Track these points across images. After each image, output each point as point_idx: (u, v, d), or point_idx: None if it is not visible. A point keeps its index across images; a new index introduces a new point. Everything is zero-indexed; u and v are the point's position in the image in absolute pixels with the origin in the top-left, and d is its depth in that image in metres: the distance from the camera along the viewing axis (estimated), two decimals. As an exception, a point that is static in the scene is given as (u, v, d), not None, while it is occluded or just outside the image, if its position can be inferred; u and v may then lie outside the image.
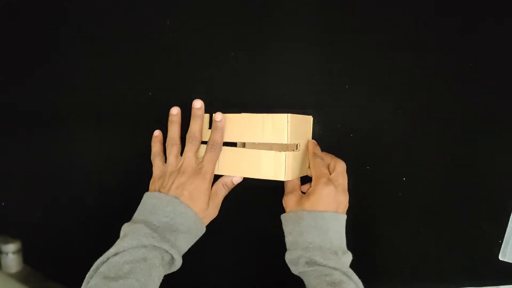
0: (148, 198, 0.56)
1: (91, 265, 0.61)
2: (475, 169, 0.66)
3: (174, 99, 0.64)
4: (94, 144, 0.64)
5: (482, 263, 0.67)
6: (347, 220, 0.57)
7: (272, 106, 0.62)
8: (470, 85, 0.65)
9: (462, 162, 0.66)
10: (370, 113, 0.65)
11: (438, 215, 0.67)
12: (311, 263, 0.53)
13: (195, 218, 0.55)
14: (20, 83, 0.63)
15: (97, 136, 0.64)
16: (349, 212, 0.57)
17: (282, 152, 0.57)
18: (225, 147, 0.59)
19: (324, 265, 0.52)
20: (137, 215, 0.55)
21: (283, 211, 0.59)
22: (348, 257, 0.55)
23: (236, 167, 0.59)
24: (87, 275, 0.50)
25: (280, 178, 0.57)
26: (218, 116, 0.58)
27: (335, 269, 0.53)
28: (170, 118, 0.60)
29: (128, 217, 0.65)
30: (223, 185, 0.59)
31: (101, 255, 0.65)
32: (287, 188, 0.60)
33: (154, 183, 0.58)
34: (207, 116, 0.61)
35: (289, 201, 0.58)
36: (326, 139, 0.63)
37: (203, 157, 0.58)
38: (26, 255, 0.65)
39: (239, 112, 0.62)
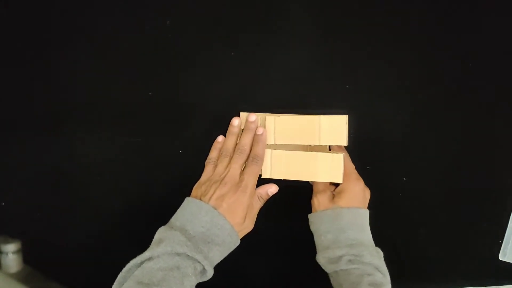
0: (188, 204, 0.55)
1: (91, 265, 0.61)
2: (475, 169, 0.66)
3: (174, 99, 0.64)
4: (94, 144, 0.64)
5: (482, 263, 0.68)
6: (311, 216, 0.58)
7: (272, 106, 0.62)
8: (470, 85, 0.65)
9: (462, 162, 0.66)
10: (370, 113, 0.65)
11: (438, 215, 0.67)
12: (355, 261, 0.54)
13: (230, 231, 0.54)
14: (20, 83, 0.63)
15: (97, 136, 0.64)
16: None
17: (340, 154, 0.57)
18: (278, 151, 0.59)
19: (368, 263, 0.53)
20: (174, 219, 0.54)
21: (287, 212, 0.59)
22: (380, 253, 0.56)
23: (290, 170, 0.58)
24: (120, 276, 0.50)
25: (338, 180, 0.57)
26: (260, 130, 0.58)
27: (377, 267, 0.54)
28: (230, 129, 0.60)
29: (128, 217, 0.65)
30: (258, 197, 0.58)
31: (101, 255, 0.65)
32: (318, 187, 0.60)
33: (197, 188, 0.57)
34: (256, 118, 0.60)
35: (322, 200, 0.58)
36: (326, 139, 0.63)
37: (244, 170, 0.57)
38: (26, 255, 0.65)
39: (239, 112, 0.62)
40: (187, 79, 0.64)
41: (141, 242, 0.65)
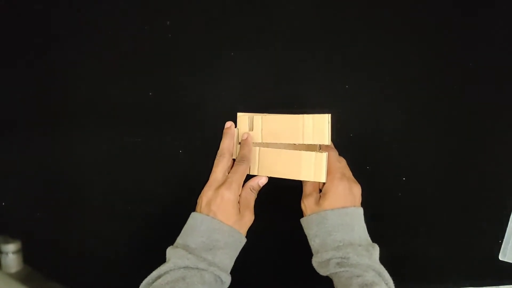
0: (189, 219, 0.57)
1: (91, 265, 0.61)
2: (475, 169, 0.66)
3: (174, 99, 0.64)
4: (94, 144, 0.64)
5: (482, 263, 0.68)
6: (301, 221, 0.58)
7: (271, 106, 0.62)
8: (470, 85, 0.65)
9: (462, 162, 0.66)
10: (370, 113, 0.65)
11: (438, 215, 0.67)
12: (342, 263, 0.53)
13: (230, 231, 0.55)
14: (20, 83, 0.63)
15: (97, 136, 0.64)
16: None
17: (324, 152, 0.57)
18: (264, 148, 0.60)
19: (356, 265, 0.52)
20: (179, 238, 0.56)
21: (288, 211, 0.59)
22: (377, 250, 0.55)
23: (275, 168, 0.59)
24: None
25: (321, 179, 0.57)
26: (244, 135, 0.61)
27: (368, 267, 0.53)
28: (224, 131, 0.63)
29: (128, 217, 0.65)
30: (250, 189, 0.60)
31: (101, 255, 0.65)
32: (307, 190, 0.60)
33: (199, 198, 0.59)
34: (246, 118, 0.62)
35: (308, 204, 0.58)
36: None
37: (231, 169, 0.59)
38: (26, 255, 0.65)
39: (237, 112, 0.62)
40: (187, 79, 0.64)
41: (141, 242, 0.66)
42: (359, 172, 0.60)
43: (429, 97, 0.65)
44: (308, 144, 0.59)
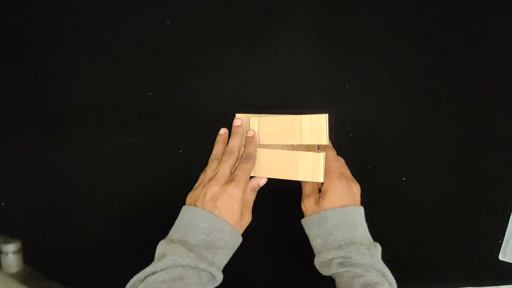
0: (184, 213, 0.55)
1: (91, 265, 0.61)
2: (475, 169, 0.66)
3: (174, 99, 0.64)
4: (94, 144, 0.64)
5: (482, 263, 0.68)
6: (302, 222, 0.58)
7: (271, 106, 0.62)
8: (470, 85, 0.65)
9: (462, 162, 0.66)
10: (370, 113, 0.65)
11: (438, 215, 0.67)
12: (344, 263, 0.53)
13: (232, 231, 0.54)
14: (20, 83, 0.63)
15: (97, 136, 0.63)
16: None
17: (321, 152, 0.57)
18: (261, 149, 0.59)
19: (359, 264, 0.52)
20: (173, 231, 0.54)
21: (286, 212, 0.59)
22: (379, 249, 0.55)
23: (273, 169, 0.59)
24: None
25: (319, 179, 0.57)
26: (250, 132, 0.60)
27: (370, 266, 0.52)
28: (218, 137, 0.62)
29: (128, 217, 0.65)
30: (251, 190, 0.59)
31: (101, 255, 0.65)
32: (306, 191, 0.60)
33: (191, 194, 0.57)
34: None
35: (309, 204, 0.58)
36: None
37: (236, 167, 0.57)
38: (26, 255, 0.65)
39: (236, 113, 0.62)
40: (187, 79, 0.64)
41: (141, 242, 0.65)
42: (359, 172, 0.60)
43: (429, 97, 0.65)
44: (306, 145, 0.59)
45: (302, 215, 0.59)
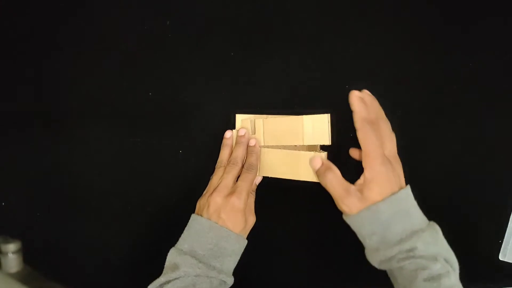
0: (192, 222, 0.56)
1: (91, 265, 0.61)
2: (475, 169, 0.66)
3: (174, 99, 0.64)
4: (94, 144, 0.64)
5: (482, 263, 0.68)
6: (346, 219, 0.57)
7: (271, 106, 0.62)
8: (470, 85, 0.65)
9: (462, 161, 0.66)
10: (370, 113, 0.65)
11: (438, 215, 0.67)
12: (408, 256, 0.49)
13: (237, 238, 0.55)
14: (20, 83, 0.63)
15: (97, 136, 0.64)
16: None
17: (323, 152, 0.57)
18: (264, 149, 0.60)
19: (423, 255, 0.49)
20: (183, 241, 0.55)
21: (290, 211, 0.59)
22: (439, 230, 0.51)
23: (276, 168, 0.59)
24: None
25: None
26: (252, 141, 0.60)
27: (435, 256, 0.49)
28: (223, 141, 0.61)
29: (128, 217, 0.65)
30: (252, 192, 0.60)
31: (101, 255, 0.65)
32: (337, 190, 0.53)
33: (199, 201, 0.58)
34: (248, 121, 0.61)
35: (351, 202, 0.52)
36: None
37: (239, 177, 0.58)
38: (26, 255, 0.65)
39: (236, 113, 0.62)
40: (187, 79, 0.64)
41: (141, 242, 0.66)
42: (359, 172, 0.60)
43: (429, 97, 0.65)
44: (310, 145, 0.59)
45: (302, 216, 0.59)
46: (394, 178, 0.52)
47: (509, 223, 0.66)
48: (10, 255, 0.64)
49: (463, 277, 0.68)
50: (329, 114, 0.56)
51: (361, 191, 0.52)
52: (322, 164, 0.56)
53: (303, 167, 0.57)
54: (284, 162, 0.58)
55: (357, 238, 0.55)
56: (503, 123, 0.66)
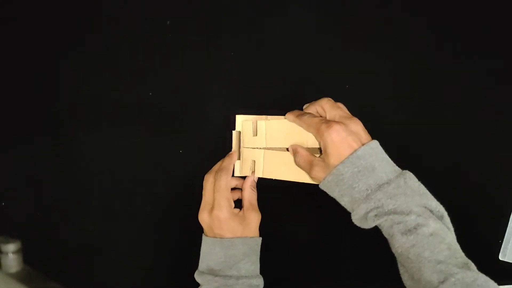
0: (202, 243, 0.58)
1: (91, 265, 0.61)
2: (475, 169, 0.66)
3: (174, 99, 0.64)
4: (94, 144, 0.63)
5: (482, 263, 0.67)
6: (346, 220, 0.56)
7: (271, 106, 0.62)
8: (470, 85, 0.65)
9: (462, 162, 0.66)
10: (370, 113, 0.65)
11: (438, 215, 0.67)
12: (379, 214, 0.48)
13: (242, 241, 0.56)
14: (20, 83, 0.63)
15: (97, 136, 0.63)
16: (348, 213, 0.56)
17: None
18: (267, 151, 0.59)
19: (393, 210, 0.48)
20: (201, 262, 0.58)
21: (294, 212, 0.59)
22: (410, 177, 0.50)
23: (279, 170, 0.59)
24: None
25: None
26: (231, 153, 0.62)
27: (407, 206, 0.48)
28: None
29: (128, 217, 0.65)
30: (251, 188, 0.60)
31: (101, 255, 0.65)
32: (304, 164, 0.55)
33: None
34: (250, 123, 0.61)
35: (317, 172, 0.53)
36: (326, 139, 0.63)
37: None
38: (26, 255, 0.65)
39: (236, 113, 0.62)
40: (187, 79, 0.64)
41: (141, 242, 0.66)
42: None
43: (429, 97, 0.65)
44: (314, 148, 0.58)
45: (306, 217, 0.60)
46: (350, 136, 0.51)
47: (509, 223, 0.66)
48: (10, 255, 0.64)
49: (463, 277, 0.68)
50: None
51: (323, 160, 0.52)
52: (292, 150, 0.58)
53: None
54: (286, 163, 0.58)
55: (359, 238, 0.55)
56: (503, 122, 0.66)
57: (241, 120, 0.62)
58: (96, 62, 0.63)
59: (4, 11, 0.62)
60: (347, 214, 0.54)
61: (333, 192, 0.53)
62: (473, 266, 0.49)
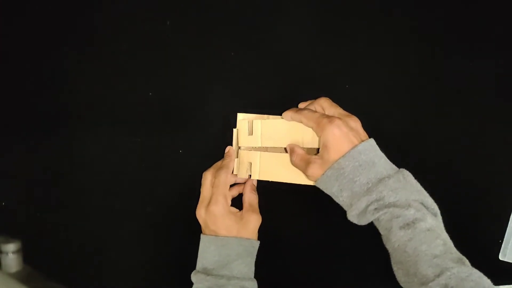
0: (200, 242, 0.57)
1: (91, 265, 0.61)
2: (475, 169, 0.66)
3: (174, 99, 0.64)
4: (94, 144, 0.64)
5: (482, 263, 0.67)
6: (347, 220, 0.57)
7: (271, 106, 0.62)
8: (470, 85, 0.65)
9: (462, 162, 0.66)
10: (370, 113, 0.65)
11: (438, 215, 0.67)
12: (379, 206, 0.49)
13: (237, 241, 0.55)
14: (20, 83, 0.63)
15: (97, 136, 0.63)
16: (345, 215, 0.56)
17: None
18: (264, 153, 0.59)
19: (394, 203, 0.48)
20: (198, 262, 0.57)
21: (294, 214, 0.59)
22: (408, 175, 0.51)
23: (277, 172, 0.59)
24: None
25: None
26: (227, 148, 0.61)
27: (406, 200, 0.48)
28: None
29: (127, 217, 0.65)
30: (252, 191, 0.60)
31: (101, 255, 0.65)
32: (300, 163, 0.55)
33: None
34: (246, 122, 0.60)
35: (314, 169, 0.53)
36: (326, 139, 0.63)
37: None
38: (26, 255, 0.65)
39: (237, 112, 0.62)
40: (187, 79, 0.64)
41: (141, 242, 0.66)
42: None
43: (429, 97, 0.65)
44: (309, 148, 0.58)
45: (306, 218, 0.59)
46: (351, 132, 0.52)
47: (509, 223, 0.66)
48: (10, 255, 0.64)
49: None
50: None
51: (321, 157, 0.53)
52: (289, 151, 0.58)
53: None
54: (283, 165, 0.58)
55: (358, 240, 0.55)
56: (503, 122, 0.65)
57: (241, 119, 0.62)
58: (96, 62, 0.63)
59: (4, 12, 0.62)
60: (344, 217, 0.54)
61: (332, 188, 0.52)
62: (467, 262, 0.49)
